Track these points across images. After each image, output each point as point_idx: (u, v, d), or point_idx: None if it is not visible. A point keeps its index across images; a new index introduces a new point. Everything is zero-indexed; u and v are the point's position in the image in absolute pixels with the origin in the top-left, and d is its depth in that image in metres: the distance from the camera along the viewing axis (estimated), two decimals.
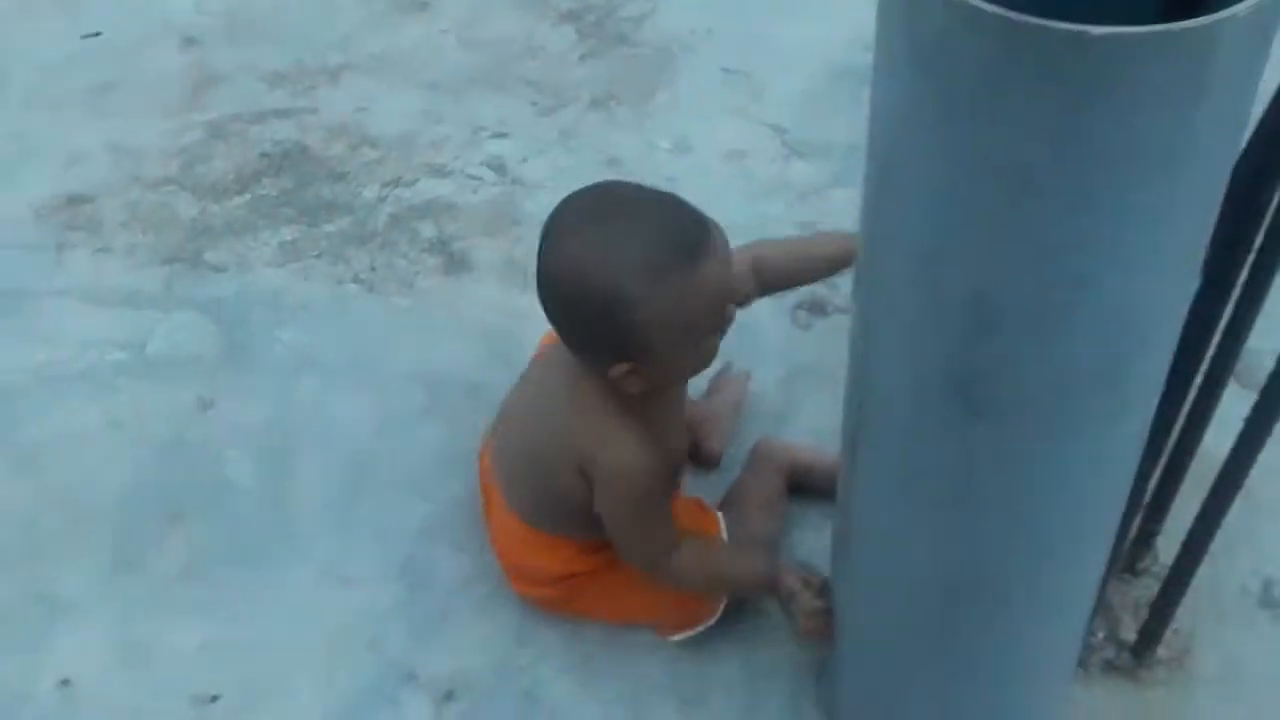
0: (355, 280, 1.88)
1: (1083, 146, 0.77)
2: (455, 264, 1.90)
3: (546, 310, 1.25)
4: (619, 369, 1.22)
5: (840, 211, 1.89)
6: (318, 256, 1.91)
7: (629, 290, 1.16)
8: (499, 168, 2.05)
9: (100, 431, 1.70)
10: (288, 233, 1.94)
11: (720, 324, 1.24)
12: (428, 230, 1.95)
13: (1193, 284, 0.96)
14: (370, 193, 2.01)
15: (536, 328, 1.77)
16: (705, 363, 1.28)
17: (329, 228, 1.95)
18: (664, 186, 1.95)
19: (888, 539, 1.13)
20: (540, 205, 1.97)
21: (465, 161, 2.06)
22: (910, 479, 1.04)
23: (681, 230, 1.19)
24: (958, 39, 0.76)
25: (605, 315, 1.17)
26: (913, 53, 0.81)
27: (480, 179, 2.03)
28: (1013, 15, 0.72)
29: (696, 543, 1.36)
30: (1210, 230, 0.89)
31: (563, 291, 1.21)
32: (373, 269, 1.89)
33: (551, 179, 2.03)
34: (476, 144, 2.08)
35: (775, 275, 1.46)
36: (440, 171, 2.04)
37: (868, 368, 1.01)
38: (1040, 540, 1.05)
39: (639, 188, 1.25)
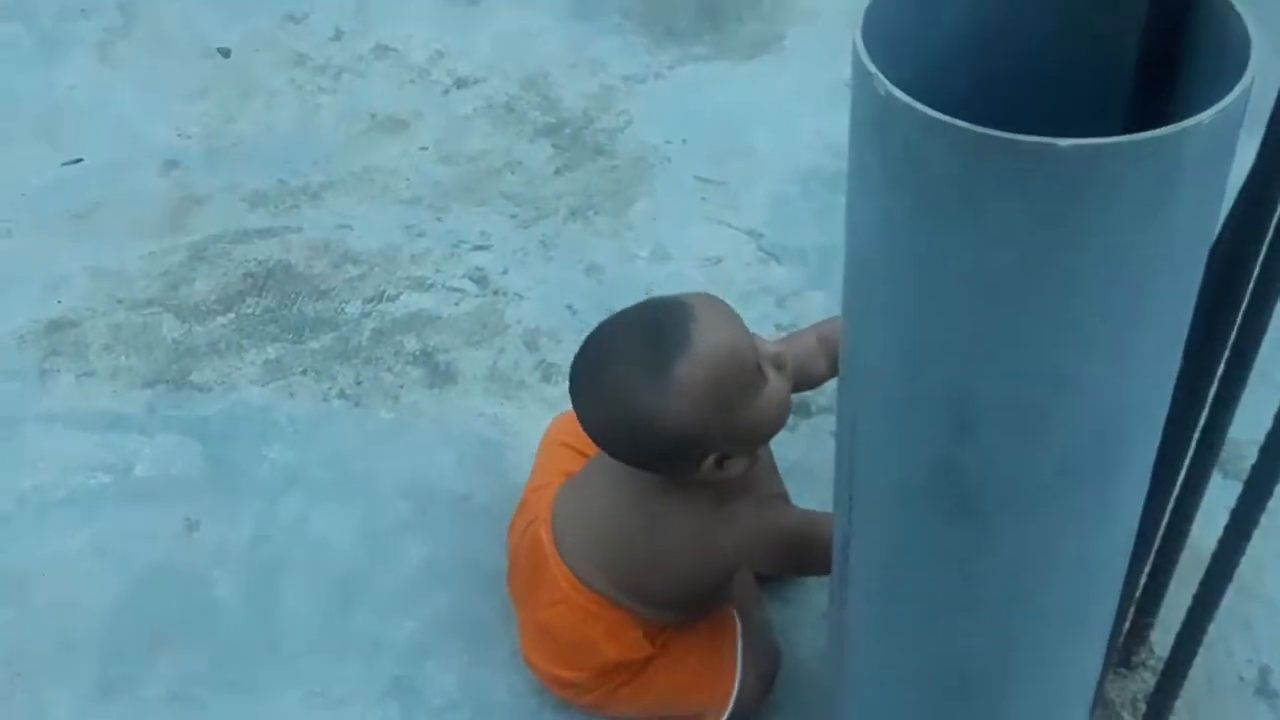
0: (340, 396, 1.89)
1: (1056, 254, 0.79)
2: (440, 376, 1.91)
3: (616, 455, 1.28)
4: (707, 466, 1.24)
5: (819, 314, 1.90)
6: (302, 373, 1.92)
7: (651, 408, 1.19)
8: (480, 279, 2.07)
9: (86, 557, 1.69)
10: (272, 351, 1.95)
11: (756, 376, 1.23)
12: (411, 343, 1.96)
13: (1172, 379, 0.98)
14: (354, 308, 2.02)
15: (522, 437, 1.79)
16: (777, 410, 1.27)
17: (313, 344, 1.96)
18: (643, 295, 2.00)
19: (882, 638, 1.13)
20: (522, 314, 2.00)
21: (447, 274, 2.08)
22: (901, 579, 1.04)
23: (657, 325, 1.22)
24: (928, 152, 0.79)
25: (659, 439, 1.21)
26: (884, 165, 0.83)
27: (462, 291, 2.05)
28: (981, 129, 0.75)
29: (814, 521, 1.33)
30: (1187, 325, 0.91)
31: (614, 440, 1.25)
32: (358, 384, 1.90)
33: (532, 289, 2.05)
34: (458, 257, 2.11)
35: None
36: (422, 285, 2.06)
37: (855, 469, 1.02)
38: (1035, 639, 1.05)
39: (618, 316, 1.27)
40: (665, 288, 2.00)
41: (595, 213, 2.18)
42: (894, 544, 1.02)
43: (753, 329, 1.87)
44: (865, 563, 1.07)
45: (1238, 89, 0.76)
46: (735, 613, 1.44)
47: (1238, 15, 0.82)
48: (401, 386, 1.90)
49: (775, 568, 1.36)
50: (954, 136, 0.76)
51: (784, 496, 1.40)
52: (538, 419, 1.83)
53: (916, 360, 0.88)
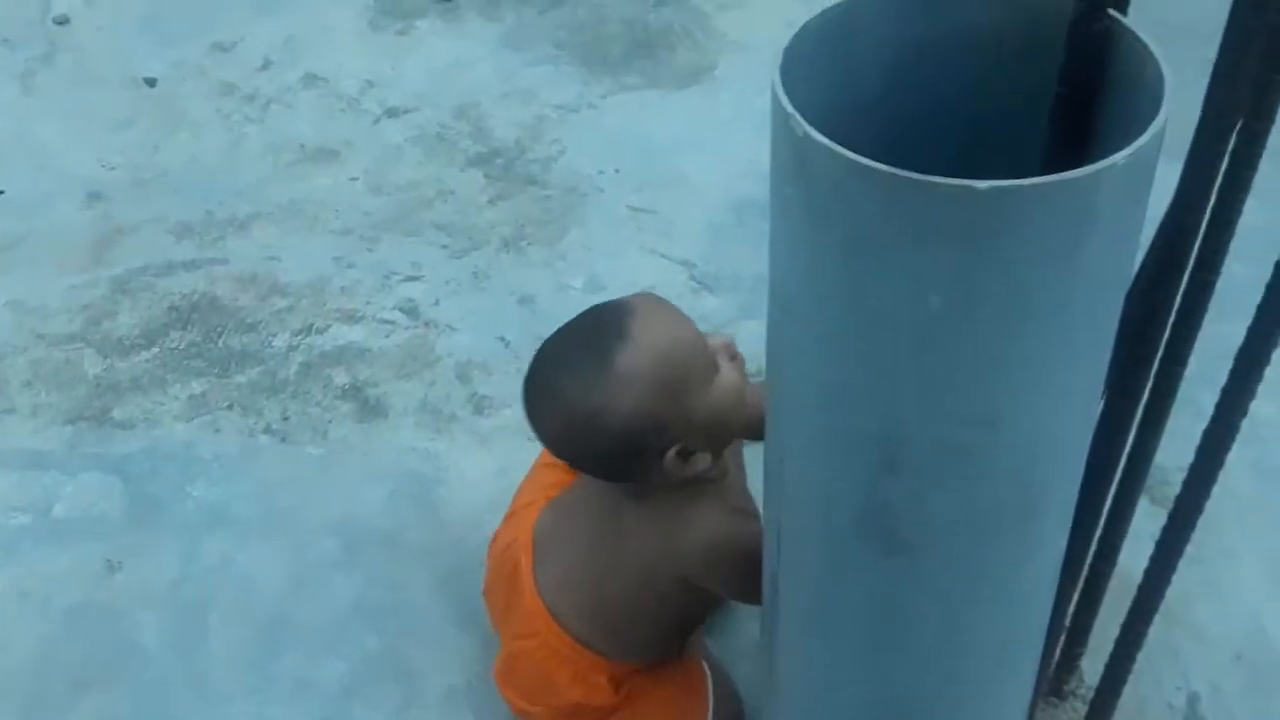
0: (267, 431, 1.85)
1: (976, 294, 0.79)
2: (369, 410, 1.88)
3: (581, 467, 1.29)
4: (670, 461, 1.22)
5: (752, 342, 1.89)
6: (228, 408, 1.88)
7: (597, 402, 1.18)
8: (411, 311, 2.05)
9: (5, 599, 1.65)
10: (197, 386, 1.91)
11: (706, 365, 1.23)
12: (340, 377, 1.93)
13: (1094, 412, 0.99)
14: (281, 341, 1.99)
15: (454, 472, 1.77)
16: (733, 399, 1.25)
17: (239, 379, 1.93)
18: None
19: (812, 674, 1.12)
20: (454, 346, 1.98)
21: (377, 306, 2.05)
22: (830, 613, 1.03)
23: (596, 323, 1.23)
24: (849, 194, 0.78)
25: (612, 435, 1.19)
26: (806, 205, 0.82)
27: (393, 323, 2.03)
28: (900, 172, 0.75)
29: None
30: (1107, 360, 0.92)
31: (572, 447, 1.25)
32: (285, 419, 1.87)
33: (464, 320, 2.03)
34: (388, 289, 2.09)
35: None
36: (352, 317, 2.03)
37: (783, 504, 1.02)
38: (965, 673, 1.05)
39: (562, 327, 1.27)
40: None
41: (528, 243, 2.17)
42: (823, 578, 1.01)
43: None
44: (795, 595, 1.06)
45: (1150, 130, 0.76)
46: (706, 664, 1.43)
47: (1152, 56, 0.82)
48: (330, 421, 1.87)
49: (737, 589, 1.33)
50: (873, 179, 0.76)
51: (756, 514, 1.37)
52: (470, 453, 1.81)
53: (842, 398, 0.88)
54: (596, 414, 1.19)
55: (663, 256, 2.14)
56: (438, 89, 2.51)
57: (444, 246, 2.17)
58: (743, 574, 1.26)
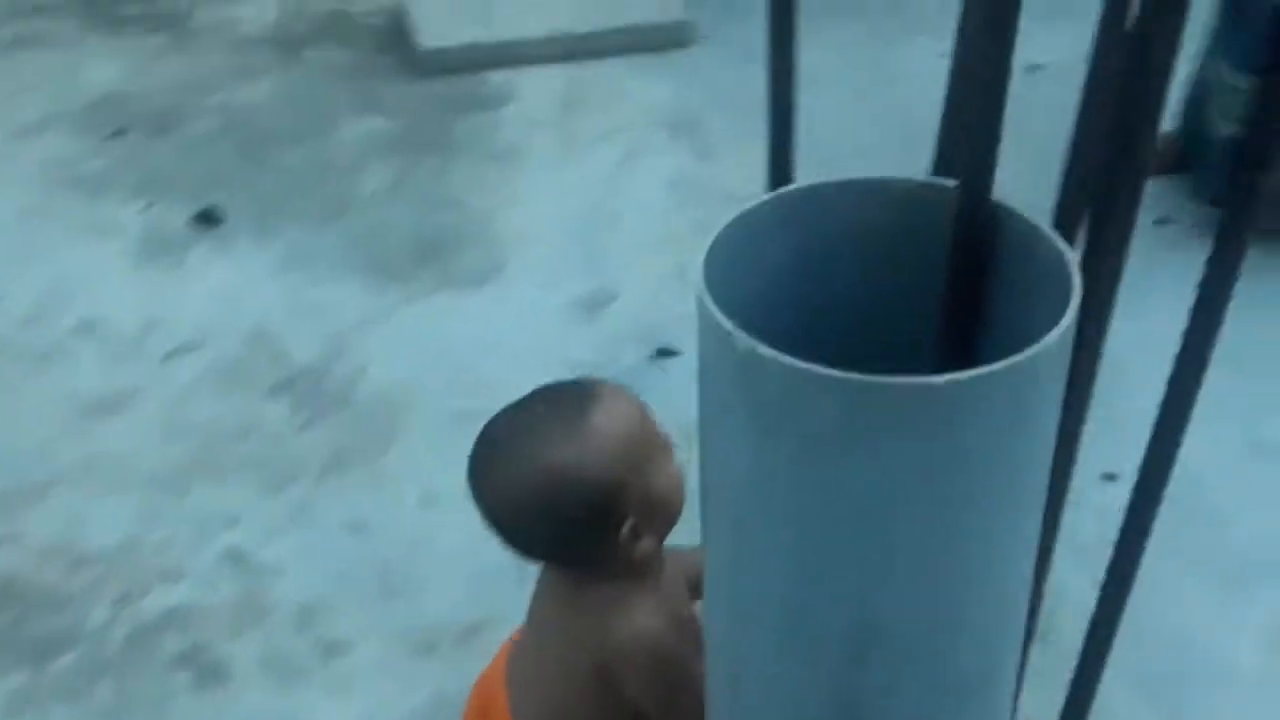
0: (101, 718, 1.68)
1: (939, 479, 0.79)
2: (208, 677, 1.74)
3: (528, 551, 1.26)
4: (624, 537, 1.20)
5: None
6: (54, 700, 1.70)
7: (570, 457, 1.17)
8: (236, 560, 1.92)
9: None
10: (13, 681, 1.72)
11: (665, 442, 1.24)
12: (171, 644, 1.78)
13: (1030, 573, 0.99)
14: (99, 614, 1.82)
15: None
16: (680, 484, 1.25)
17: (59, 664, 1.75)
18: (415, 543, 1.91)
19: None
20: (289, 589, 1.86)
21: (198, 560, 1.91)
22: None
23: (562, 392, 1.24)
24: (802, 400, 0.77)
25: (578, 496, 1.18)
26: (754, 417, 0.81)
27: (218, 576, 1.89)
28: (861, 376, 0.74)
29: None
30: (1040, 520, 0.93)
31: (529, 516, 1.21)
32: (118, 701, 1.70)
33: (295, 559, 1.92)
34: (207, 539, 1.95)
35: None
36: (172, 576, 1.89)
37: (739, 707, 0.97)
38: None
39: (513, 405, 1.26)
40: (440, 534, 1.92)
41: (349, 467, 2.08)
42: None
43: None
44: None
45: (1069, 315, 0.78)
46: None
47: (1045, 235, 0.86)
48: (167, 696, 1.71)
49: (663, 703, 1.28)
50: (832, 385, 0.75)
51: (692, 619, 1.34)
52: (328, 706, 1.69)
53: (807, 601, 0.86)
54: (565, 470, 1.17)
55: None
56: (224, 319, 2.42)
57: (258, 484, 2.05)
58: (664, 681, 1.24)
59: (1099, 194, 0.91)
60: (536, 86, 3.15)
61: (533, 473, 1.19)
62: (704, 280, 0.84)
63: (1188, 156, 2.57)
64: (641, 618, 1.25)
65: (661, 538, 1.26)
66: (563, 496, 1.19)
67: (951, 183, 0.89)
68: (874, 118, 2.90)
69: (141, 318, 2.42)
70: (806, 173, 0.97)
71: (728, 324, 0.79)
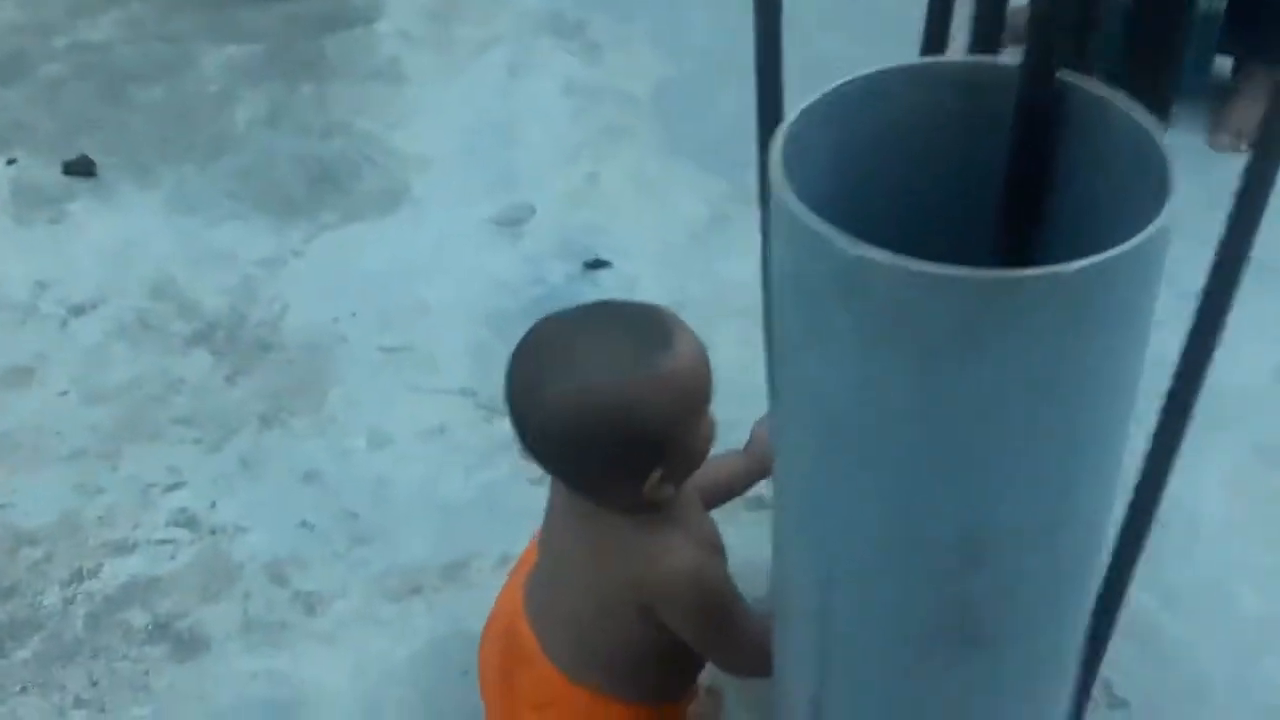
0: (77, 705, 1.60)
1: (1061, 374, 0.78)
2: (187, 646, 1.67)
3: (556, 469, 1.24)
4: (651, 481, 1.19)
5: None
6: (21, 692, 1.61)
7: (634, 397, 1.14)
8: (189, 522, 1.83)
9: None
10: None
11: (711, 392, 1.22)
12: (138, 618, 1.70)
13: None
14: (53, 597, 1.73)
15: (310, 685, 1.60)
16: (712, 437, 1.24)
17: (22, 654, 1.65)
18: (374, 486, 1.86)
19: None
20: (251, 547, 1.79)
21: (148, 528, 1.83)
22: None
23: (634, 320, 1.20)
24: (920, 305, 0.76)
25: (630, 436, 1.15)
26: (859, 326, 0.79)
27: (173, 541, 1.81)
28: (985, 273, 0.73)
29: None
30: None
31: (574, 440, 1.17)
32: (94, 684, 1.62)
33: (251, 515, 1.84)
34: (152, 505, 1.86)
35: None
36: (124, 547, 1.80)
37: (832, 631, 0.97)
38: None
39: (567, 316, 1.22)
40: (398, 473, 1.87)
41: (290, 414, 2.00)
42: (892, 693, 0.97)
43: (507, 485, 1.79)
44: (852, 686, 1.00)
45: (1172, 190, 0.78)
46: None
47: (1126, 113, 0.85)
48: (147, 672, 1.64)
49: (699, 629, 1.27)
50: (953, 287, 0.74)
51: (720, 549, 1.36)
52: (319, 660, 1.64)
53: (915, 508, 0.85)
54: (626, 409, 1.14)
55: (438, 392, 2.03)
56: (120, 273, 2.28)
57: (197, 442, 1.96)
58: (707, 612, 1.24)
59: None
60: None
61: (589, 402, 1.15)
62: (786, 184, 0.81)
63: None
64: (679, 552, 1.24)
65: (680, 485, 1.25)
66: (611, 437, 1.16)
67: (1012, 63, 0.87)
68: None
69: (30, 280, 2.27)
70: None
71: (827, 229, 0.77)
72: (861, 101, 0.89)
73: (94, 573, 1.76)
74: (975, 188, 0.93)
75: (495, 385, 1.97)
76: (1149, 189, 0.80)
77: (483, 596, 1.61)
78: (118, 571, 1.76)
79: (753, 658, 1.26)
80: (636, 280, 2.21)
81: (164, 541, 1.81)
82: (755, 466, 1.49)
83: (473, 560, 1.76)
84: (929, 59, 0.90)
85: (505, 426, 1.92)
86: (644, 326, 1.19)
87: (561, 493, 1.32)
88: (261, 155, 2.59)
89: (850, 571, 0.92)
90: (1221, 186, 0.91)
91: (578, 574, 1.30)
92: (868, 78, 0.90)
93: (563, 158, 2.51)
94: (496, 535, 1.78)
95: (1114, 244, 0.74)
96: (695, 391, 1.19)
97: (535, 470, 1.83)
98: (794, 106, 0.89)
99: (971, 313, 0.75)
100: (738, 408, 1.39)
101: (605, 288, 2.20)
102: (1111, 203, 0.86)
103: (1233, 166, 0.88)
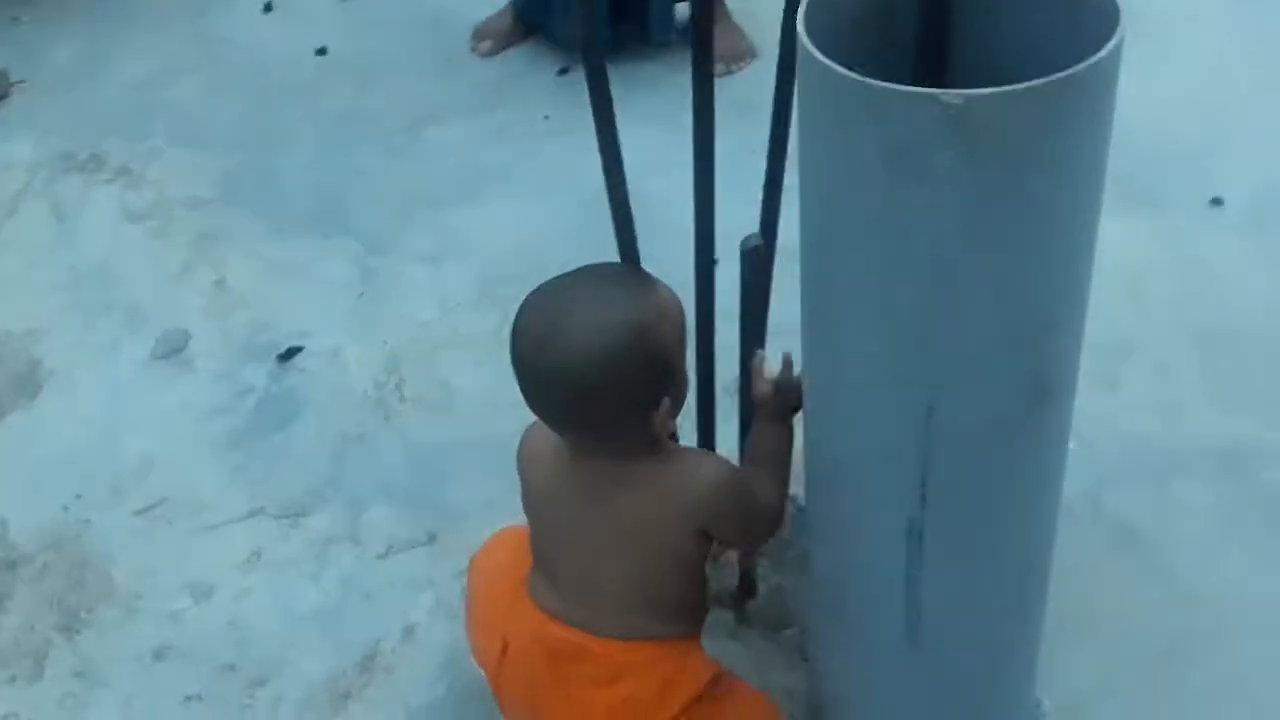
0: None
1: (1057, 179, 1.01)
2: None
3: (576, 418, 1.32)
4: (663, 410, 1.32)
5: None
6: None
7: (645, 321, 1.28)
8: None
9: None
10: None
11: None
12: None
13: None
14: None
15: None
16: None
17: None
18: (230, 631, 1.79)
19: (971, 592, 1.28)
20: None
21: None
22: (990, 484, 1.18)
23: (612, 268, 1.36)
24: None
25: (647, 361, 1.28)
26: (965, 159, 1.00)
27: None
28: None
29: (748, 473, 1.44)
30: None
31: (594, 379, 1.26)
32: None
33: (133, 713, 1.70)
34: None
35: None
36: None
37: (939, 378, 1.11)
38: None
39: (555, 282, 1.33)
40: (246, 611, 1.82)
41: (88, 612, 1.83)
42: (985, 459, 1.17)
43: (356, 568, 1.88)
44: (952, 496, 1.18)
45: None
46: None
47: None
48: None
49: (742, 525, 1.43)
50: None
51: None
52: None
53: (1007, 300, 1.06)
54: (640, 333, 1.27)
55: (227, 524, 1.96)
56: None
57: (11, 680, 1.75)
58: (746, 510, 1.41)
59: None
60: None
61: (601, 340, 1.26)
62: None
63: (529, 20, 2.95)
64: (705, 466, 1.39)
65: (676, 415, 1.39)
66: (638, 361, 1.28)
67: None
68: None
69: None
70: None
71: (939, 92, 0.94)
72: None
73: None
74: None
75: (280, 494, 1.97)
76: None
77: (421, 662, 1.66)
78: None
79: (776, 520, 1.44)
80: (339, 349, 2.24)
81: None
82: (777, 403, 1.47)
83: (378, 645, 1.76)
84: None
85: (316, 522, 1.93)
86: (623, 274, 1.36)
87: (563, 473, 1.40)
88: None
89: (948, 335, 1.06)
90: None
91: (611, 537, 1.39)
92: None
93: (174, 277, 2.43)
94: (381, 613, 1.80)
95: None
96: (682, 316, 1.36)
97: (382, 544, 1.88)
98: None
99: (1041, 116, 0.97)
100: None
101: (313, 369, 2.21)
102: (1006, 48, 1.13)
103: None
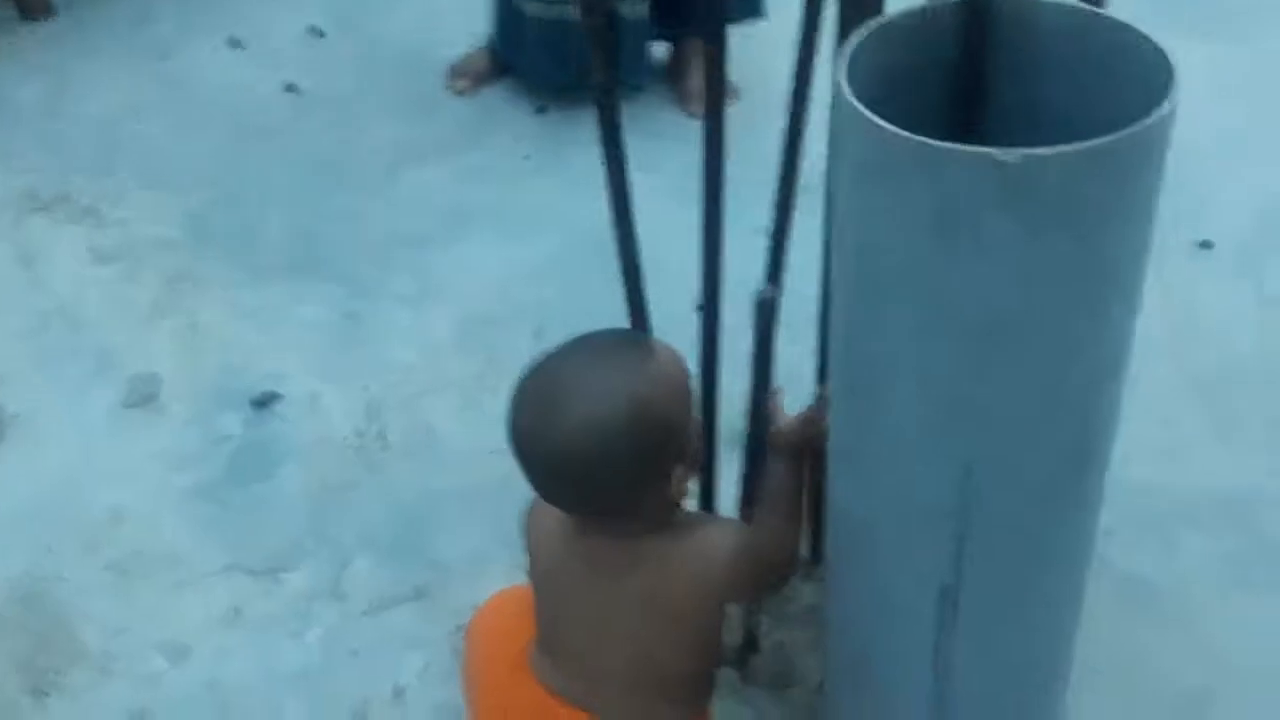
0: None
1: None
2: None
3: (585, 497, 1.27)
4: (677, 477, 1.28)
5: None
6: None
7: (645, 393, 1.23)
8: None
9: None
10: None
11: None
12: None
13: None
14: None
15: None
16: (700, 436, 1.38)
17: None
18: (209, 693, 1.72)
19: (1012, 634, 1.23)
20: None
21: None
22: (1037, 540, 1.14)
23: (613, 338, 1.31)
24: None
25: (652, 431, 1.23)
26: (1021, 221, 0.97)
27: None
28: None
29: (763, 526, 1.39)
30: None
31: (600, 455, 1.22)
32: None
33: None
34: None
35: None
36: None
37: (979, 439, 1.07)
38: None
39: (553, 354, 1.29)
40: (226, 671, 1.76)
41: (58, 675, 1.75)
42: (1026, 522, 1.13)
43: (340, 626, 1.81)
44: (989, 561, 1.14)
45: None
46: None
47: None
48: None
49: (753, 588, 1.40)
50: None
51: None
52: None
53: (1057, 359, 1.02)
54: (642, 405, 1.22)
55: (203, 578, 1.88)
56: None
57: None
58: (767, 569, 1.36)
59: None
60: None
61: (603, 413, 1.21)
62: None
63: (505, 59, 2.89)
64: (721, 535, 1.35)
65: (691, 478, 1.35)
66: (645, 433, 1.23)
67: None
68: None
69: None
70: None
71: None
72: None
73: None
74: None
75: (259, 548, 1.90)
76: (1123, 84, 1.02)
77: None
78: None
79: (792, 567, 1.39)
80: (318, 395, 2.17)
81: None
82: (793, 439, 1.41)
83: (367, 706, 1.69)
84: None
85: (297, 577, 1.86)
86: (619, 344, 1.30)
87: (572, 549, 1.35)
88: None
89: (996, 437, 1.05)
90: None
91: (623, 616, 1.34)
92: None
93: (144, 321, 2.36)
94: (369, 673, 1.73)
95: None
96: (686, 377, 1.31)
97: (367, 600, 1.82)
98: None
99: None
100: None
101: (291, 416, 2.14)
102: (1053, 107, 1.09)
103: None
